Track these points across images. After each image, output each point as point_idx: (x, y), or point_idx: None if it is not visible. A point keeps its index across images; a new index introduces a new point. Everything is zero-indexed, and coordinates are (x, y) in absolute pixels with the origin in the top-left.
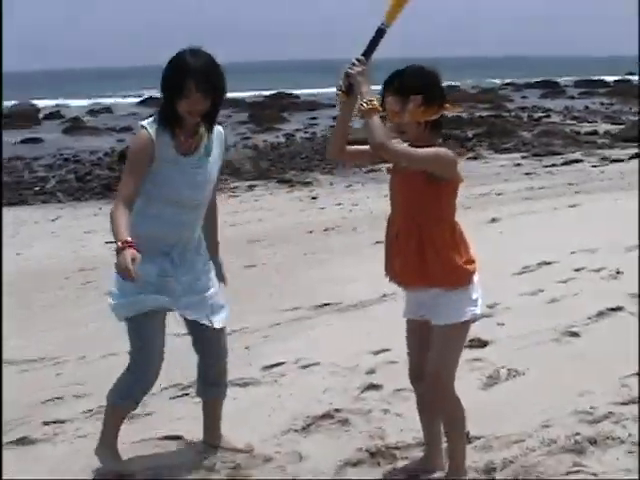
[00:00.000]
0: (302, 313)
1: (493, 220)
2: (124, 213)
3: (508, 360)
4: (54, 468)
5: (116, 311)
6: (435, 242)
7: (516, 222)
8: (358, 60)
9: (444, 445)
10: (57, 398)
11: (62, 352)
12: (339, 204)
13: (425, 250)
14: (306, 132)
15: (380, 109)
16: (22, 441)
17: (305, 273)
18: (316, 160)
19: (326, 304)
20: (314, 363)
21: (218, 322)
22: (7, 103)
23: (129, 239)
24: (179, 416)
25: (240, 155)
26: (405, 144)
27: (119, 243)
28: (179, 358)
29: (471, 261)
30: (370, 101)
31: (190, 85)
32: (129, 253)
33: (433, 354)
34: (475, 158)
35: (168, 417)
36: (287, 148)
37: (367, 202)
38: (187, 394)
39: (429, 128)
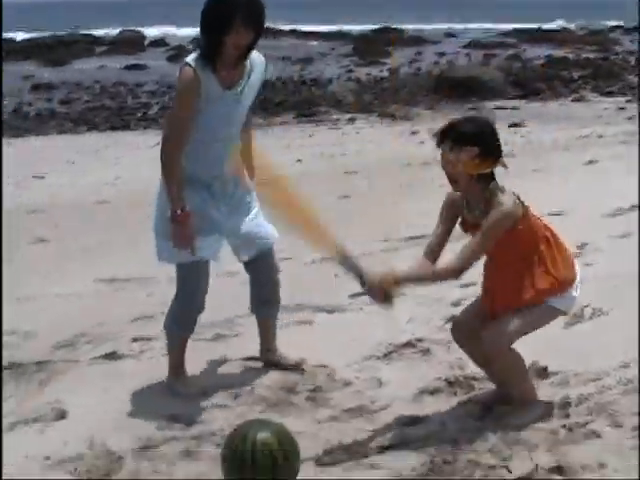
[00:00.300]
0: (392, 244)
1: (590, 162)
2: (179, 166)
3: (593, 300)
4: (136, 384)
5: (161, 257)
6: (532, 267)
7: (613, 165)
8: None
9: None
10: (147, 317)
11: (154, 273)
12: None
13: (523, 275)
14: (410, 67)
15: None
16: (110, 356)
17: (399, 205)
18: (419, 95)
19: (418, 236)
20: (401, 293)
21: (271, 239)
22: (113, 30)
23: (187, 207)
24: None
25: (342, 88)
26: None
27: (178, 211)
28: None
29: (570, 269)
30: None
31: (237, 19)
32: (188, 229)
33: (510, 315)
34: (579, 100)
35: (255, 338)
36: (390, 82)
37: None
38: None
39: (480, 180)
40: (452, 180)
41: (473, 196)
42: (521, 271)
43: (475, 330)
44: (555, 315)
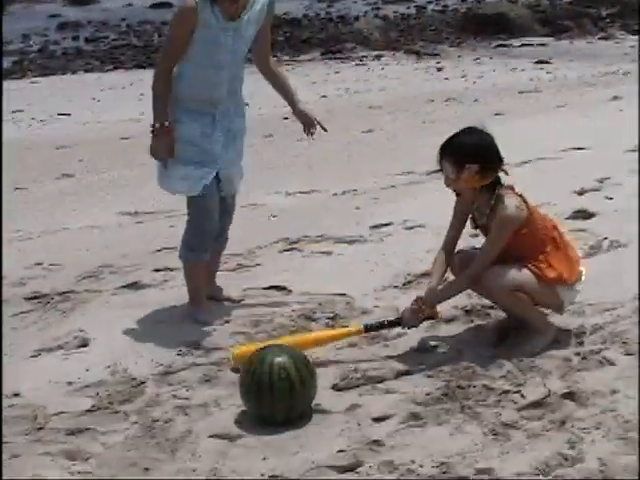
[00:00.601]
0: (414, 178)
1: (615, 98)
2: (166, 89)
3: (612, 232)
4: (158, 312)
5: (166, 188)
6: (540, 269)
7: (637, 101)
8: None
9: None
10: (169, 248)
11: (178, 206)
12: (464, 76)
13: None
14: (437, 4)
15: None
16: (133, 285)
17: (421, 140)
18: (446, 33)
19: (439, 170)
20: (419, 225)
21: (237, 186)
22: None
23: (167, 123)
24: (285, 268)
25: (369, 25)
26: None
27: (157, 125)
28: (291, 216)
29: (573, 272)
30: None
31: None
32: (166, 141)
33: (515, 265)
34: (606, 38)
35: (275, 269)
36: (417, 20)
37: (492, 75)
38: (294, 249)
39: (484, 190)
40: (457, 193)
41: (480, 203)
42: (545, 263)
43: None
44: (554, 300)
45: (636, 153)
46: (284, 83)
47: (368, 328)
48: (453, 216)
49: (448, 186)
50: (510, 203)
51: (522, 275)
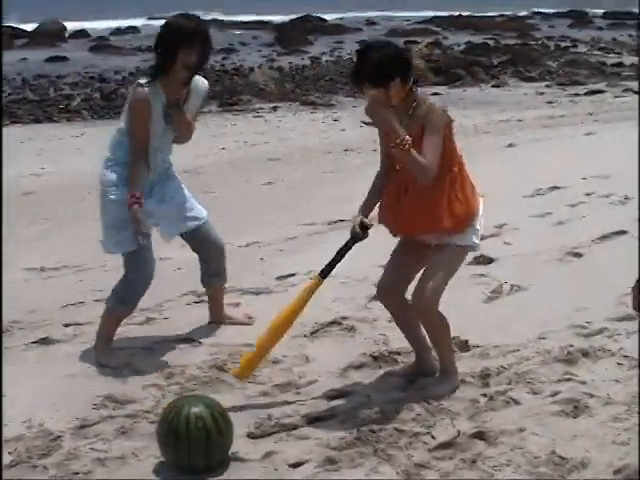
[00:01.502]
0: (316, 228)
1: (510, 145)
2: (143, 167)
3: (512, 276)
4: (71, 366)
5: (106, 249)
6: (442, 187)
7: (532, 148)
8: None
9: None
10: (78, 303)
11: (84, 261)
12: (361, 126)
13: (435, 197)
14: (331, 55)
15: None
16: (44, 340)
17: (322, 191)
18: (340, 83)
19: (340, 220)
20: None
21: (199, 220)
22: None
23: (138, 194)
24: (193, 321)
25: (265, 76)
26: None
27: (130, 196)
28: (196, 268)
29: (476, 199)
30: (406, 140)
31: (189, 37)
32: (139, 211)
33: (427, 273)
34: (499, 86)
35: (183, 322)
36: (312, 71)
37: None
38: (202, 301)
39: (409, 92)
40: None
41: (402, 107)
42: (435, 195)
43: (400, 290)
44: (467, 252)
45: (533, 199)
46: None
47: (324, 274)
48: (381, 143)
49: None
50: (433, 103)
51: (440, 273)
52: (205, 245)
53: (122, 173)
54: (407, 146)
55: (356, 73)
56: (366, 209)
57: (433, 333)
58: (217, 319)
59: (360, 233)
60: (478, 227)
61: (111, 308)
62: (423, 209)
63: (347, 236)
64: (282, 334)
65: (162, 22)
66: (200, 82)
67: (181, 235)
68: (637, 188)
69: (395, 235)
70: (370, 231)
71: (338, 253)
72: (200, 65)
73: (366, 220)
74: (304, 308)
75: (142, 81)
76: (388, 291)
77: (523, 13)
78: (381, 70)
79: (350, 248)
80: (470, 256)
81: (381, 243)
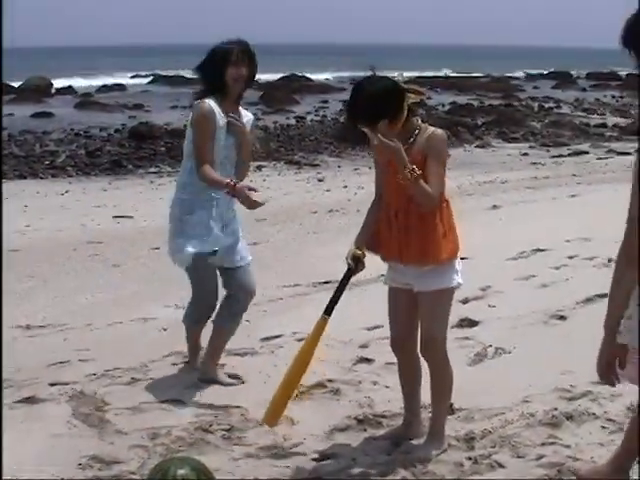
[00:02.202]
0: (302, 290)
1: (494, 207)
2: (212, 170)
3: (496, 339)
4: (56, 426)
5: (179, 262)
6: (433, 219)
7: (516, 210)
8: None
9: (424, 414)
10: (63, 362)
11: (69, 319)
12: (345, 186)
13: (425, 226)
14: (317, 115)
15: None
16: (29, 400)
17: (307, 251)
18: (325, 143)
19: (325, 282)
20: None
21: (243, 260)
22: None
23: (230, 180)
24: (179, 381)
25: (250, 136)
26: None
27: (227, 183)
28: (182, 329)
29: (456, 236)
30: (415, 170)
31: (235, 54)
32: (243, 187)
33: (424, 320)
34: (483, 146)
35: (169, 382)
36: (297, 130)
37: (373, 186)
38: (188, 362)
39: (407, 119)
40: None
41: (403, 136)
42: (428, 224)
43: (412, 338)
44: (454, 291)
45: (517, 261)
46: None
47: (328, 312)
48: (377, 171)
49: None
50: (434, 130)
51: (438, 321)
52: (237, 286)
53: (195, 193)
54: (415, 175)
55: (349, 115)
56: (360, 240)
57: (439, 381)
58: (205, 368)
59: (353, 265)
60: (458, 267)
61: (185, 325)
62: (415, 238)
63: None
64: (301, 376)
65: (147, 79)
66: (243, 112)
67: (220, 268)
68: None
69: (385, 260)
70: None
71: (337, 288)
72: (250, 78)
73: (358, 251)
74: (316, 347)
75: (201, 100)
76: (400, 344)
77: (508, 74)
78: (370, 110)
79: (347, 282)
80: (455, 319)
81: (366, 305)
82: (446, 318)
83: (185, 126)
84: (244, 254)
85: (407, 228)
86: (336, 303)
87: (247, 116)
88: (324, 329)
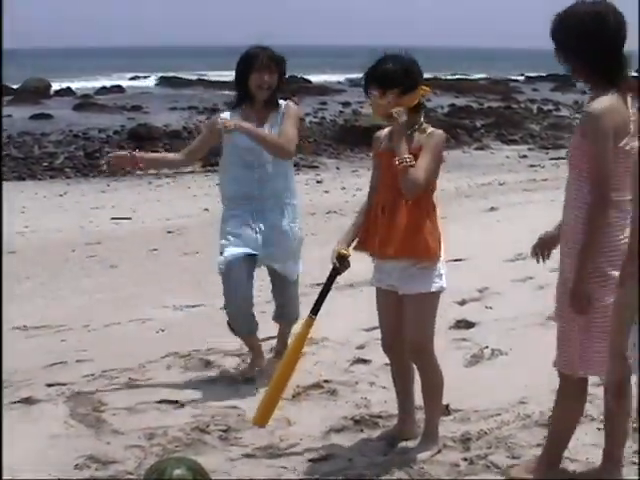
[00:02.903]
0: (300, 290)
1: (492, 209)
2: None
3: (493, 341)
4: (53, 426)
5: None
6: (419, 216)
7: (514, 212)
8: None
9: (419, 415)
10: (61, 362)
11: (67, 320)
12: (343, 188)
13: (409, 222)
14: (315, 116)
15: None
16: (27, 400)
17: (305, 253)
18: (324, 144)
19: (323, 283)
20: (309, 337)
21: (291, 273)
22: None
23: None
24: (176, 382)
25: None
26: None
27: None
28: (179, 330)
29: (440, 239)
30: (410, 159)
31: (257, 60)
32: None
33: (408, 323)
34: (481, 148)
35: (165, 383)
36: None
37: None
38: (184, 363)
39: (412, 112)
40: (388, 119)
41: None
42: (414, 219)
43: (400, 341)
44: (439, 295)
45: (514, 263)
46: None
47: (314, 311)
48: (373, 167)
49: (377, 114)
50: (435, 130)
51: (424, 323)
52: (283, 291)
53: (229, 199)
54: (408, 162)
55: (367, 76)
56: (346, 239)
57: (429, 384)
58: (278, 356)
59: (337, 264)
60: (442, 271)
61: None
62: (397, 231)
63: (329, 299)
64: (289, 375)
65: (148, 81)
66: (291, 104)
67: (271, 272)
68: None
69: (371, 255)
70: (352, 261)
71: (323, 288)
72: (274, 84)
73: (343, 250)
74: (304, 346)
75: (223, 114)
76: (390, 345)
77: (507, 76)
78: (384, 75)
79: (333, 281)
80: (452, 320)
81: (363, 306)
82: (431, 322)
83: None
84: (291, 263)
85: (391, 223)
86: (322, 303)
87: (291, 108)
88: (310, 329)
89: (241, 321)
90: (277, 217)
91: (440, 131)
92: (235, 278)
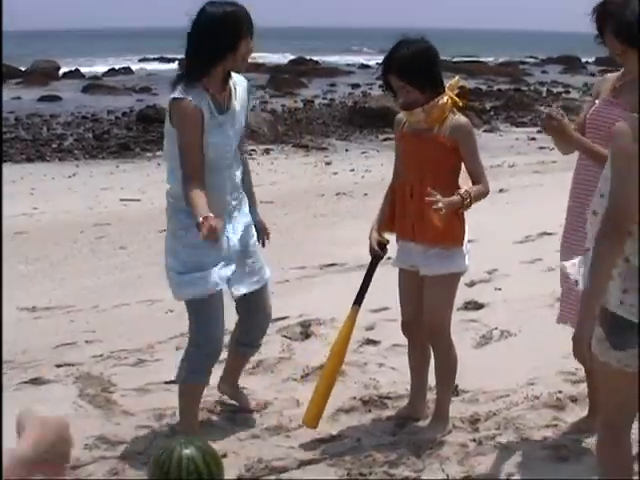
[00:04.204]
0: (308, 272)
1: (501, 191)
2: (200, 191)
3: (502, 322)
4: (62, 407)
5: (179, 290)
6: (452, 220)
7: (523, 194)
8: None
9: (429, 395)
10: (70, 343)
11: (75, 301)
12: (352, 170)
13: (445, 229)
14: (324, 98)
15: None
16: (35, 381)
17: (314, 234)
18: (333, 126)
19: (331, 264)
20: (315, 319)
21: (263, 281)
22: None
23: (210, 215)
24: None
25: (258, 119)
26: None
27: (201, 219)
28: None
29: (464, 220)
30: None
31: (249, 25)
32: (215, 220)
33: (428, 304)
34: (491, 131)
35: (174, 364)
36: (305, 113)
37: (380, 169)
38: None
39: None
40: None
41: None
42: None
43: (419, 322)
44: (460, 276)
45: (524, 245)
46: (250, 186)
47: (358, 302)
48: (395, 150)
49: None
50: (459, 116)
51: (444, 303)
52: (255, 312)
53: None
54: (469, 200)
55: (386, 63)
56: (381, 226)
57: (444, 364)
58: (225, 390)
59: (379, 252)
60: (465, 252)
61: (185, 383)
62: (430, 217)
63: (338, 280)
64: (337, 370)
65: (154, 63)
66: (237, 78)
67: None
68: None
69: (398, 240)
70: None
71: (365, 277)
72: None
73: (382, 238)
74: (350, 337)
75: (177, 95)
76: (409, 325)
77: (516, 59)
78: (405, 66)
79: (374, 269)
80: (460, 301)
81: (372, 287)
82: (451, 303)
83: None
84: (264, 269)
85: (423, 207)
86: (365, 292)
87: (242, 83)
88: (355, 320)
89: (214, 362)
90: (245, 222)
91: (464, 119)
92: (219, 307)
